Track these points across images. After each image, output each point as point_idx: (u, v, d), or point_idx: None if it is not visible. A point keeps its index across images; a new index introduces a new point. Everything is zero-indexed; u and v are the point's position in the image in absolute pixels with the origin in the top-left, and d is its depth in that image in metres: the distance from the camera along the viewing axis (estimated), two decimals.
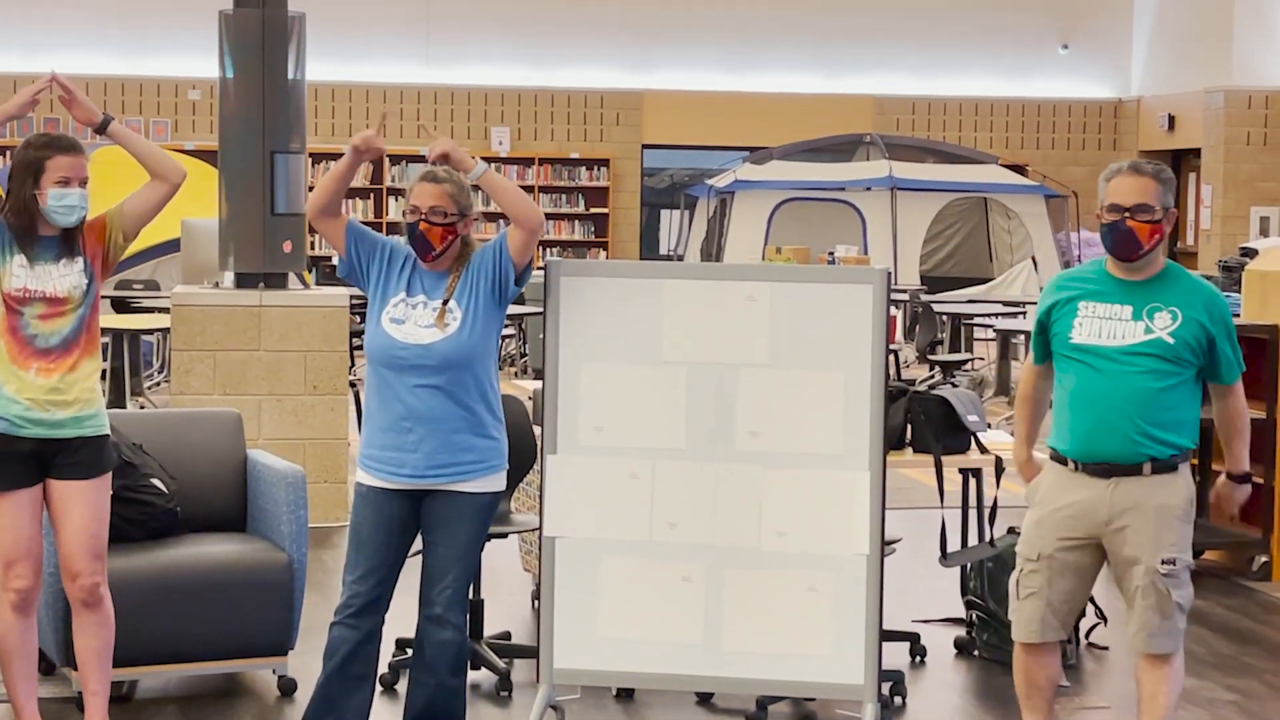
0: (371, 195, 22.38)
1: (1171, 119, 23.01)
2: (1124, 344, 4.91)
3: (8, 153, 5.12)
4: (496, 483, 5.11)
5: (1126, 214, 4.89)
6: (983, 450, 6.54)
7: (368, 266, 5.11)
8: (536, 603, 6.77)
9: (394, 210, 22.80)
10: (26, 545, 5.14)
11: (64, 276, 5.10)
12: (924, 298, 17.19)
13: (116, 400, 11.66)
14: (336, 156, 5.55)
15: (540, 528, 5.41)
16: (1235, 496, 5.14)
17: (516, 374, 16.29)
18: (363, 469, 5.09)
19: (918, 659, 6.68)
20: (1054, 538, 5.02)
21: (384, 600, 5.09)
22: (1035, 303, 5.24)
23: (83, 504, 5.13)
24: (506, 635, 6.66)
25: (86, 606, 5.19)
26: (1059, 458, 5.04)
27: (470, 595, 6.35)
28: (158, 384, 13.83)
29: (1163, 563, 4.92)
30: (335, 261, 5.26)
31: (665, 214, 24.53)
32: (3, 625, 5.18)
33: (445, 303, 5.01)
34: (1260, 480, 8.21)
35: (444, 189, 5.05)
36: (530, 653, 6.21)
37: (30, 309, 5.06)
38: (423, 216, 5.02)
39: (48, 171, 5.03)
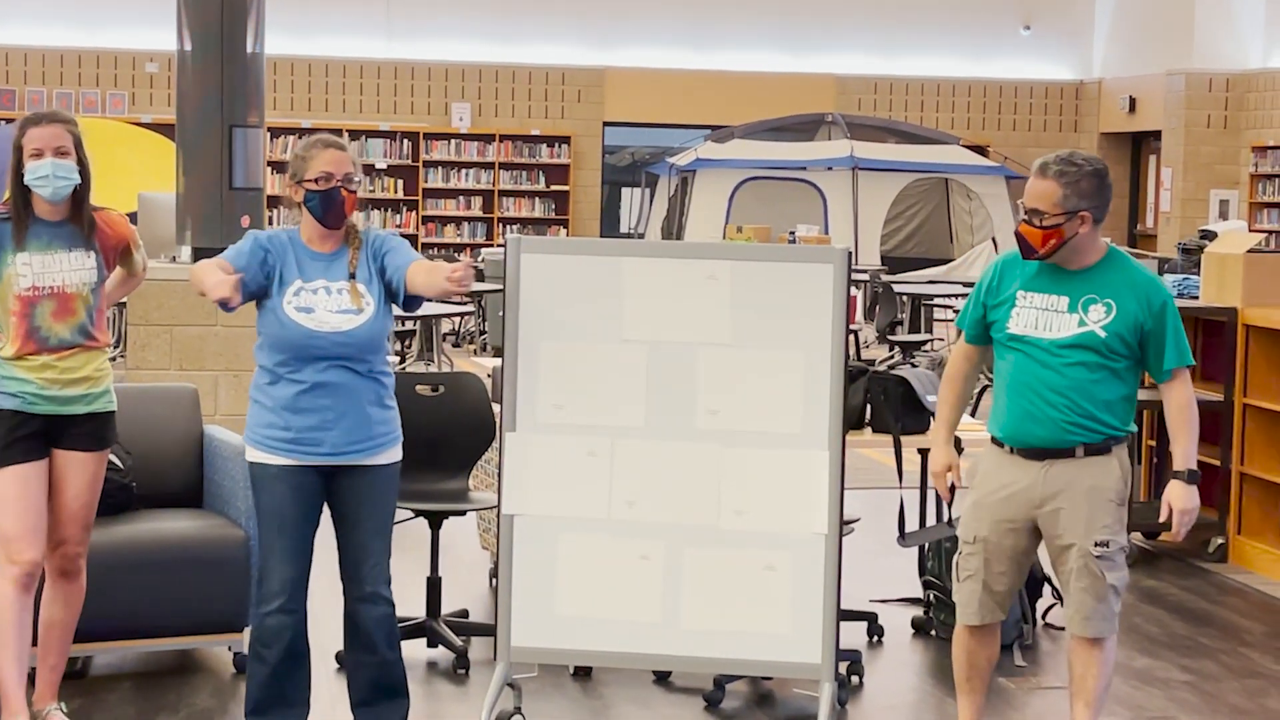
0: None
1: (1132, 101, 23.10)
2: (1058, 336, 4.91)
3: None
4: (400, 451, 5.11)
5: (1024, 217, 4.94)
6: None
7: (261, 284, 4.96)
8: (494, 581, 6.77)
9: None
10: (34, 520, 5.11)
11: (75, 271, 5.08)
12: (884, 278, 17.24)
13: None
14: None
15: (498, 506, 5.41)
16: (1184, 499, 4.90)
17: (475, 351, 16.29)
18: (266, 450, 4.96)
19: (875, 639, 6.71)
20: (990, 520, 5.04)
21: (309, 577, 5.04)
22: None
23: (82, 474, 5.16)
24: (464, 613, 6.66)
25: (64, 575, 5.19)
26: (996, 441, 5.07)
27: (429, 573, 6.37)
28: (114, 359, 13.75)
29: (1096, 544, 4.93)
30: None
31: (626, 192, 24.53)
32: (3, 600, 5.10)
33: (353, 278, 4.96)
34: (1217, 463, 8.29)
35: (350, 156, 5.01)
36: (488, 631, 6.21)
37: (41, 307, 5.05)
38: (340, 184, 4.95)
39: (25, 148, 5.03)
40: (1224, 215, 21.23)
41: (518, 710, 5.50)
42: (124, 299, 5.71)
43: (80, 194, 5.10)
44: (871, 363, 6.92)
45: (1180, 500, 4.92)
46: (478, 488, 6.87)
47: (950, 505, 5.51)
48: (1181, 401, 4.96)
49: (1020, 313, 4.97)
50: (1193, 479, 4.93)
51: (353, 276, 4.97)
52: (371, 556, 5.05)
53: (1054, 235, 4.88)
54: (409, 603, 6.57)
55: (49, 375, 5.06)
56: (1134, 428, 5.07)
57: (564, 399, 5.34)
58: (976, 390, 5.35)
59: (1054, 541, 5.01)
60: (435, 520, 6.37)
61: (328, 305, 4.93)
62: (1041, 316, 4.95)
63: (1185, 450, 4.95)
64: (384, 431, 5.04)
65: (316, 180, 4.95)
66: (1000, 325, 5.01)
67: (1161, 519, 4.94)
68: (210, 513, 6.21)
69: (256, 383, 5.06)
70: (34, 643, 5.53)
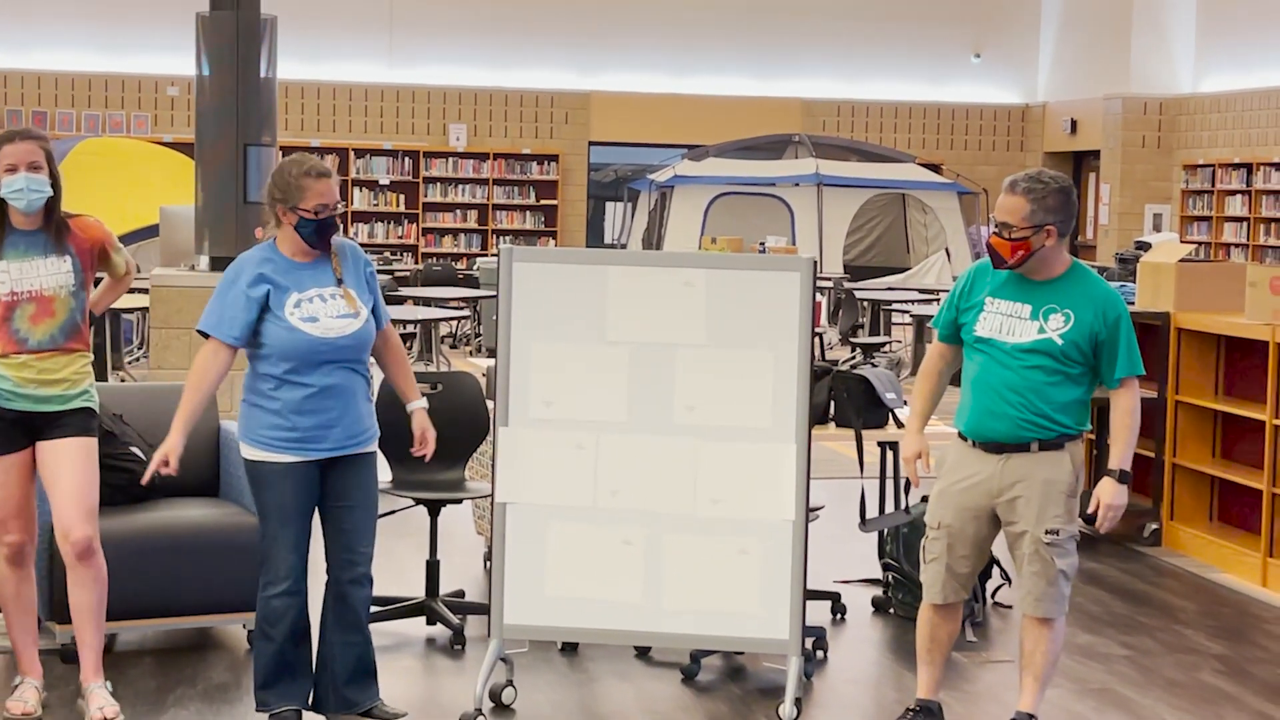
0: (338, 186, 22.21)
1: (1074, 123, 23.14)
2: (1018, 341, 4.91)
3: None
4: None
5: (994, 230, 4.93)
6: (899, 425, 6.56)
7: (259, 316, 4.92)
8: (488, 564, 6.76)
9: (358, 200, 22.67)
10: (17, 504, 5.07)
11: (52, 275, 5.00)
12: (847, 285, 17.26)
13: (99, 374, 11.50)
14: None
15: (492, 495, 5.39)
16: (1113, 495, 4.90)
17: (471, 353, 16.25)
18: (271, 449, 4.89)
19: (838, 616, 6.70)
20: (953, 507, 5.05)
21: (308, 561, 5.03)
22: (948, 290, 5.23)
23: (71, 463, 5.04)
24: (460, 594, 6.64)
25: (80, 560, 5.08)
26: (961, 435, 5.08)
27: (428, 557, 6.34)
28: (137, 359, 13.72)
29: (1047, 532, 4.92)
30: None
31: (610, 206, 24.51)
32: None
33: (340, 284, 4.94)
34: (1151, 455, 8.30)
35: (335, 179, 4.99)
36: (482, 610, 6.19)
37: (21, 311, 4.97)
38: (332, 212, 4.94)
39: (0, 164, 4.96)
40: (1157, 228, 21.28)
41: (510, 683, 5.48)
42: (115, 303, 5.61)
43: (52, 204, 5.03)
44: (835, 363, 6.91)
45: (1109, 496, 4.92)
46: (473, 478, 6.85)
47: (908, 492, 5.50)
48: (1127, 407, 4.96)
49: (987, 317, 4.97)
50: (1124, 479, 4.94)
51: (340, 282, 4.95)
52: (364, 540, 5.03)
53: (1022, 247, 4.88)
54: (409, 584, 6.56)
55: (26, 375, 4.98)
56: (1087, 426, 5.06)
57: (553, 396, 5.32)
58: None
59: (1010, 528, 5.01)
60: (434, 508, 6.35)
61: (328, 312, 4.90)
62: (1005, 322, 4.94)
63: (1122, 452, 4.95)
64: (370, 424, 5.05)
65: (314, 211, 4.91)
66: (969, 328, 5.02)
67: (1090, 510, 4.94)
68: (225, 501, 6.19)
69: (256, 388, 4.97)
70: (53, 617, 5.51)
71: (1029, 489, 4.94)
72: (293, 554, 4.94)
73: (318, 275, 4.95)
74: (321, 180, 4.93)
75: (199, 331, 5.00)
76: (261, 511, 4.99)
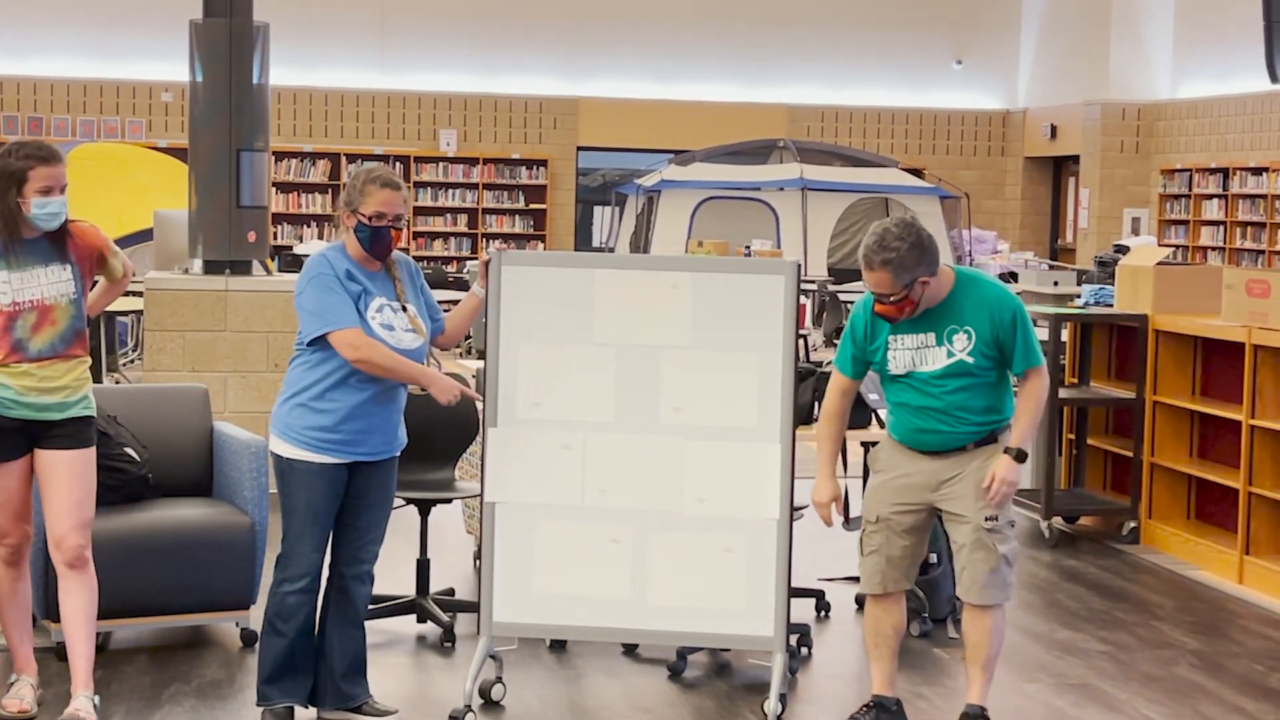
0: (330, 190, 22.23)
1: (1054, 128, 23.17)
2: (933, 369, 4.97)
3: None
4: None
5: (876, 298, 4.94)
6: (881, 425, 6.56)
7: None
8: (478, 562, 6.75)
9: None
10: (15, 509, 5.06)
11: (53, 284, 4.97)
12: (830, 288, 17.26)
13: (94, 376, 11.53)
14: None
15: (481, 494, 5.39)
16: (1007, 471, 4.91)
17: (462, 354, 16.24)
18: (312, 449, 4.90)
19: (822, 613, 6.71)
20: (889, 502, 5.09)
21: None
22: None
23: (68, 473, 5.01)
24: (450, 592, 6.63)
25: (71, 568, 5.06)
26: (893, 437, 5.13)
27: (419, 555, 6.34)
28: (132, 361, 13.70)
29: (985, 520, 4.96)
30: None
31: (598, 210, 24.50)
32: None
33: (405, 309, 5.00)
34: (1130, 454, 8.32)
35: (402, 195, 5.02)
36: (472, 608, 6.19)
37: (22, 320, 4.94)
38: (391, 223, 4.96)
39: (30, 181, 4.89)
40: (1136, 231, 21.30)
41: (499, 679, 5.48)
42: (110, 305, 5.61)
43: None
44: (819, 364, 6.91)
45: (1003, 470, 4.94)
46: (463, 478, 6.84)
47: (847, 523, 5.56)
48: (1030, 392, 5.01)
49: (896, 355, 5.03)
50: (1020, 457, 4.97)
51: (404, 308, 4.99)
52: (375, 538, 5.08)
53: (906, 304, 4.94)
54: (401, 582, 6.56)
55: (27, 383, 4.94)
56: (1011, 412, 5.10)
57: (541, 397, 5.32)
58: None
59: (948, 520, 5.06)
60: (424, 507, 6.35)
61: (398, 323, 4.96)
62: (916, 355, 5.00)
63: (1021, 432, 5.00)
64: (402, 433, 5.12)
65: (371, 218, 4.93)
66: (881, 366, 5.07)
67: (985, 485, 4.94)
68: (219, 501, 6.18)
69: (308, 388, 4.93)
70: (49, 616, 5.50)
71: (963, 481, 4.99)
72: (316, 552, 4.97)
73: (384, 287, 5.00)
74: (385, 190, 4.95)
75: (318, 337, 4.88)
76: (288, 508, 4.98)
